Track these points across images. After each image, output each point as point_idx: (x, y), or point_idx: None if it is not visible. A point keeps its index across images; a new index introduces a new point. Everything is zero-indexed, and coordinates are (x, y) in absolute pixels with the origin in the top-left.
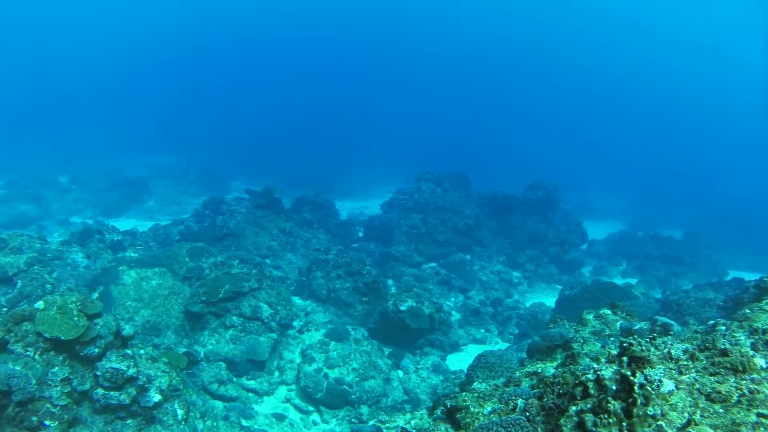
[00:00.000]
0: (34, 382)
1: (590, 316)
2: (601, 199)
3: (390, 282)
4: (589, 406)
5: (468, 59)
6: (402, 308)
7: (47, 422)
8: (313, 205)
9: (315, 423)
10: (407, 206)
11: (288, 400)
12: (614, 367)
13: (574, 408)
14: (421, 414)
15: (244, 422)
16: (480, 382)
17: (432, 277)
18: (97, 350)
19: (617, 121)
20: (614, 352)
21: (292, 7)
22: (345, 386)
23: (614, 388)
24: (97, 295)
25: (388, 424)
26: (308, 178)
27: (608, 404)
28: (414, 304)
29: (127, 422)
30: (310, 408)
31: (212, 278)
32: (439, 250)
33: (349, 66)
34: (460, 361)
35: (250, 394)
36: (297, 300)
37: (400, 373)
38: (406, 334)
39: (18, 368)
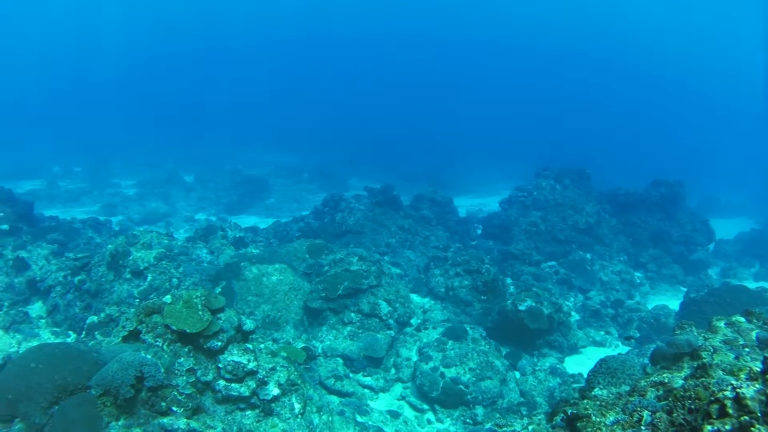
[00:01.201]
0: (162, 370)
1: (721, 323)
2: (729, 195)
3: (508, 280)
4: (728, 428)
5: (583, 55)
6: (521, 308)
7: (174, 408)
8: (432, 202)
9: (429, 422)
10: (526, 203)
11: (403, 398)
12: (757, 386)
13: (709, 428)
14: (539, 419)
15: (359, 418)
16: (601, 389)
17: (551, 276)
18: (219, 343)
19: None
20: (752, 365)
21: (406, 5)
22: (461, 386)
23: (759, 410)
24: (220, 290)
25: (505, 429)
26: (426, 175)
27: (753, 429)
28: (533, 304)
29: (246, 413)
30: (425, 406)
31: (332, 275)
32: (559, 248)
33: (464, 64)
34: (578, 364)
35: (366, 391)
36: (415, 297)
37: (517, 374)
38: (523, 334)
39: (149, 357)
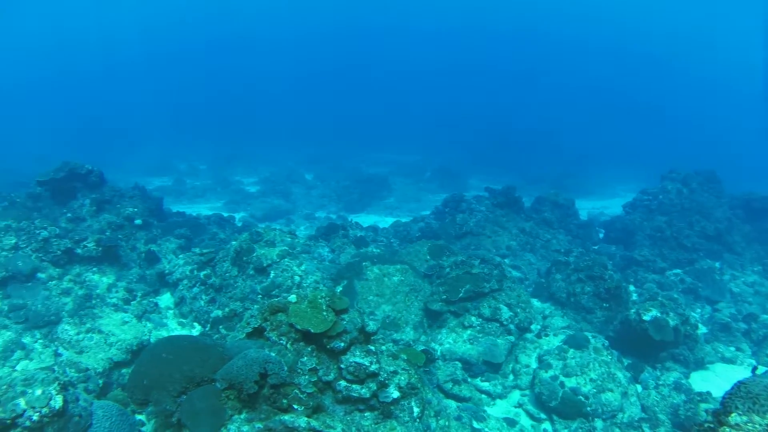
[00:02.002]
0: (286, 368)
1: None
2: None
3: (631, 288)
4: None
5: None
6: (645, 318)
7: (295, 406)
8: (553, 204)
9: None
10: (651, 207)
11: (520, 405)
12: None
13: None
14: None
15: (475, 424)
16: (740, 415)
17: (676, 284)
18: (342, 344)
19: None
20: None
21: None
22: (581, 396)
23: None
24: (341, 289)
25: None
26: (546, 176)
27: None
28: (658, 314)
29: (365, 414)
30: (542, 416)
31: (453, 277)
32: (685, 255)
33: (586, 65)
34: (705, 381)
35: (483, 396)
36: (535, 302)
37: (639, 387)
38: (647, 346)
39: (273, 354)
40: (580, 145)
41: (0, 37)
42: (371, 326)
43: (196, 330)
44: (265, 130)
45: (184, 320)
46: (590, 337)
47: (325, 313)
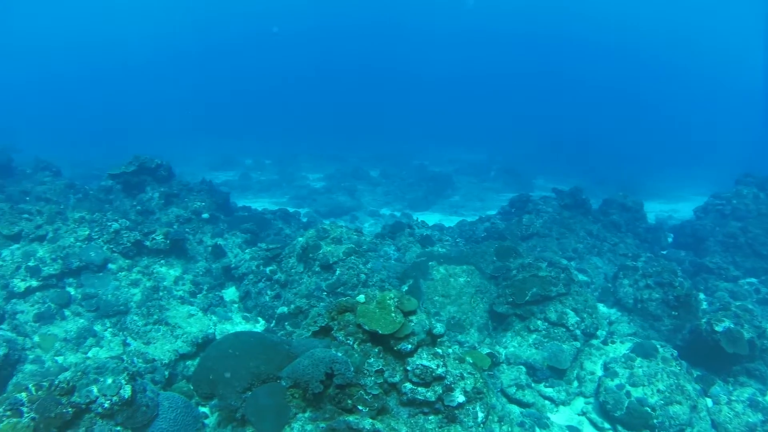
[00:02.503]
0: (352, 369)
1: None
2: None
3: (701, 296)
4: None
5: None
6: (717, 329)
7: (360, 407)
8: (621, 207)
9: None
10: (724, 212)
11: (584, 414)
12: None
13: None
14: None
15: (538, 431)
16: None
17: (750, 294)
18: (410, 346)
19: None
20: None
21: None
22: (647, 408)
23: None
24: (406, 288)
25: None
26: (612, 178)
27: None
28: (732, 326)
29: (429, 418)
30: (607, 425)
31: (519, 279)
32: (761, 264)
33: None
34: None
35: (547, 402)
36: (601, 307)
37: (709, 401)
38: (718, 358)
39: (340, 354)
40: (647, 146)
41: (54, 33)
42: (438, 328)
43: (260, 324)
44: (331, 126)
45: (248, 315)
46: (658, 347)
47: (393, 315)
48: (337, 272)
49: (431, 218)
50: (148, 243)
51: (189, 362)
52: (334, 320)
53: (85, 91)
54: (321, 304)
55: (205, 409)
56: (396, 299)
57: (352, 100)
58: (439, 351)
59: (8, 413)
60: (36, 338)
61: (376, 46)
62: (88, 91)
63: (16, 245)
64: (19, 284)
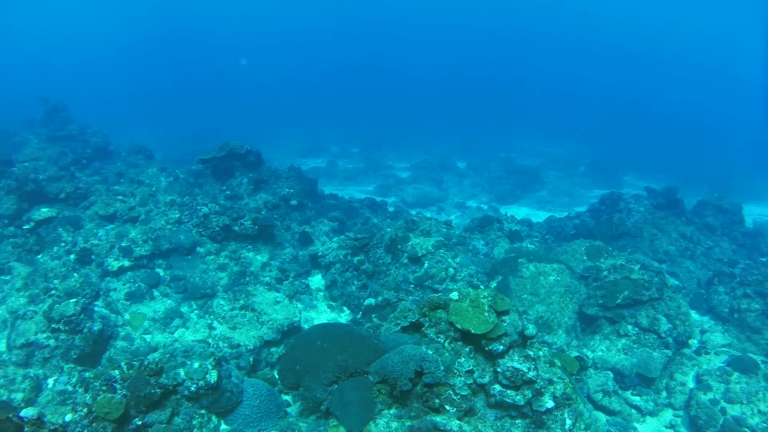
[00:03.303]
0: (442, 368)
1: None
2: None
3: None
4: None
5: None
6: None
7: (448, 407)
8: (717, 209)
9: None
10: None
11: (672, 427)
12: None
13: None
14: None
15: None
16: None
17: None
18: (501, 347)
19: None
20: None
21: None
22: (746, 429)
23: None
24: (495, 285)
25: None
26: (706, 177)
27: None
28: None
29: (516, 422)
30: None
31: (611, 281)
32: None
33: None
34: None
35: (633, 411)
36: (693, 314)
37: None
38: None
39: (430, 353)
40: (745, 145)
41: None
42: (530, 330)
43: (345, 314)
44: (418, 116)
45: (333, 303)
46: (760, 362)
47: (486, 314)
48: (425, 265)
49: (518, 212)
50: (236, 228)
51: (273, 349)
52: (425, 316)
53: (174, 77)
54: (409, 297)
55: (287, 397)
56: (490, 298)
57: (439, 88)
58: (531, 353)
59: (104, 388)
60: (127, 316)
61: (465, 36)
62: (178, 77)
63: (111, 225)
64: (113, 263)
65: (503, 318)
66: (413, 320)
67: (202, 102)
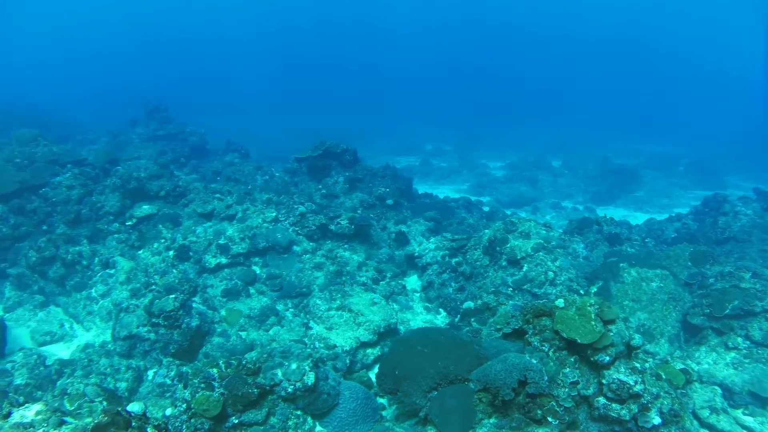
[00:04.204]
0: (546, 378)
1: None
2: None
3: None
4: None
5: None
6: None
7: (550, 419)
8: None
9: None
10: None
11: None
12: None
13: None
14: None
15: None
16: None
17: None
18: (607, 358)
19: None
20: None
21: None
22: None
23: None
24: (595, 290)
25: None
26: None
27: None
28: None
29: None
30: None
31: (718, 289)
32: None
33: None
34: None
35: None
36: None
37: None
38: None
39: (534, 361)
40: None
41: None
42: (637, 340)
43: (441, 316)
44: (512, 113)
45: (429, 305)
46: None
47: (593, 323)
48: (525, 268)
49: (615, 213)
50: (332, 227)
51: (369, 350)
52: (529, 324)
53: (271, 73)
54: (509, 302)
55: (382, 400)
56: (596, 306)
57: (533, 86)
58: (637, 365)
59: (203, 385)
60: (223, 312)
61: (561, 34)
62: (275, 74)
63: (209, 223)
64: (210, 260)
65: (610, 327)
66: (516, 327)
67: (294, 99)
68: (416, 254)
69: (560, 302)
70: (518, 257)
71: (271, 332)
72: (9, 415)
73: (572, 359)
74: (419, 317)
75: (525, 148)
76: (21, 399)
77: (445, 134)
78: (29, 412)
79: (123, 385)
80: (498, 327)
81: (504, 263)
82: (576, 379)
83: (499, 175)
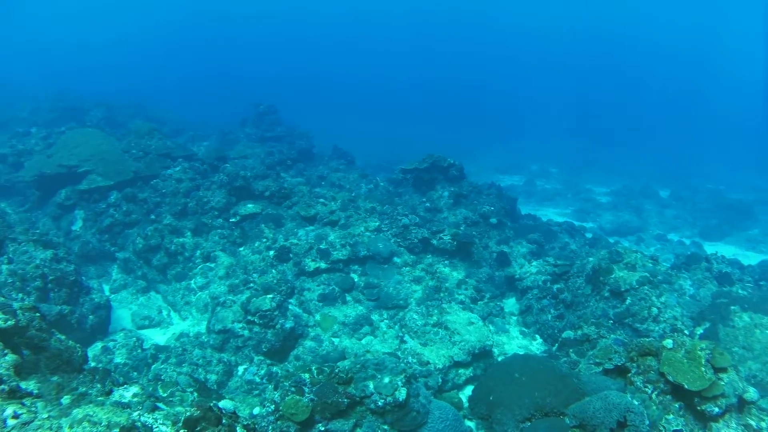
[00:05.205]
0: (648, 423)
1: None
2: None
3: None
4: None
5: None
6: None
7: None
8: None
9: None
10: None
11: None
12: None
13: None
14: None
15: None
16: None
17: None
18: (717, 410)
19: None
20: None
21: None
22: None
23: None
24: (701, 332)
25: None
26: None
27: None
28: None
29: None
30: None
31: None
32: None
33: None
34: None
35: None
36: None
37: None
38: None
39: (636, 403)
40: None
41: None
42: (751, 393)
43: (536, 342)
44: (623, 139)
45: (525, 330)
46: None
47: (703, 369)
48: (628, 301)
49: (725, 251)
50: (435, 242)
51: (462, 371)
52: (633, 362)
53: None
54: (611, 336)
55: (470, 423)
56: (708, 351)
57: (652, 111)
58: (752, 423)
59: (293, 389)
60: (317, 317)
61: (683, 59)
62: (377, 80)
63: (311, 227)
64: (310, 264)
65: (721, 376)
66: (619, 363)
67: (403, 111)
68: (517, 276)
69: (669, 342)
70: (622, 289)
71: (363, 341)
72: (111, 392)
73: (677, 405)
74: (514, 341)
75: (633, 175)
76: (120, 379)
77: (552, 155)
78: (127, 393)
79: (213, 377)
80: (598, 361)
81: (606, 294)
82: (680, 428)
83: (604, 201)
